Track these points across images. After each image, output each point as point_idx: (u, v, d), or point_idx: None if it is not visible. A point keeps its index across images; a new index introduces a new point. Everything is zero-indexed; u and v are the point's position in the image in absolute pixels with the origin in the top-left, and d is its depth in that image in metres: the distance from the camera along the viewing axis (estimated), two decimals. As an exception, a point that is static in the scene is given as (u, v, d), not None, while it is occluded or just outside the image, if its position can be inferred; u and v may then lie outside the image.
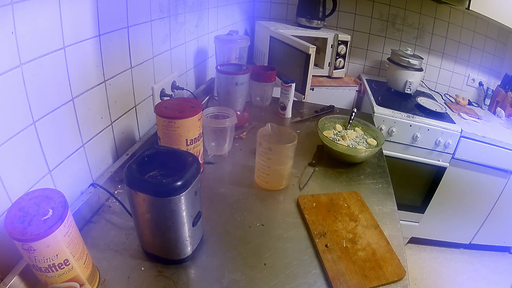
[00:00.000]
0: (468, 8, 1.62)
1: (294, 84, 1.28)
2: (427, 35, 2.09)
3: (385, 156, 1.14)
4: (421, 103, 1.83)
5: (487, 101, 2.04)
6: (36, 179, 0.63)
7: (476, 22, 1.97)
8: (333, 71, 1.94)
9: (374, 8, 2.08)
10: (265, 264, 0.67)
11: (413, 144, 1.73)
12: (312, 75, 1.50)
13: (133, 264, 0.64)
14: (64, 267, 0.50)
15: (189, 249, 0.65)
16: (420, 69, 1.88)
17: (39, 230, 0.45)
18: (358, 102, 2.00)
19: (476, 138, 1.66)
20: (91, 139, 0.79)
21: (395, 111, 1.72)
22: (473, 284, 1.89)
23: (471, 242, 2.03)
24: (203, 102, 1.29)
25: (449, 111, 1.84)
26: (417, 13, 2.04)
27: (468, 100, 2.07)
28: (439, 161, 1.74)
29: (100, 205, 0.78)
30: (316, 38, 1.88)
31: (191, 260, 0.66)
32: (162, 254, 0.65)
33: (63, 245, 0.48)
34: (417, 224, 1.97)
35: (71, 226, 0.50)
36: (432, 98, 2.00)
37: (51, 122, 0.65)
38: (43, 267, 0.48)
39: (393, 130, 1.70)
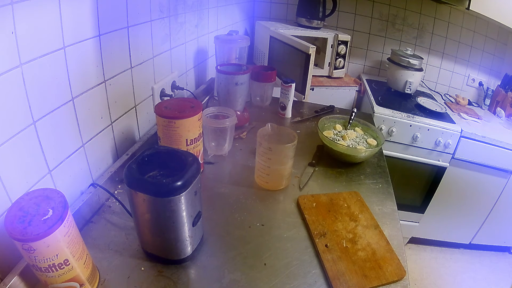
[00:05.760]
0: (468, 8, 1.62)
1: (294, 84, 1.28)
2: (427, 35, 2.09)
3: (385, 156, 1.14)
4: (421, 103, 1.83)
5: (487, 101, 2.04)
6: (36, 179, 0.63)
7: (476, 22, 1.97)
8: (333, 71, 1.94)
9: (374, 8, 2.08)
10: (265, 264, 0.67)
11: (413, 144, 1.73)
12: (312, 75, 1.50)
13: (133, 264, 0.64)
14: (64, 267, 0.50)
15: (189, 249, 0.65)
16: (420, 69, 1.88)
17: (39, 230, 0.45)
18: (358, 102, 2.00)
19: (476, 138, 1.66)
20: (91, 139, 0.79)
21: (395, 111, 1.72)
22: (473, 284, 1.89)
23: (471, 242, 2.03)
24: (203, 102, 1.29)
25: (449, 111, 1.84)
26: (417, 13, 2.04)
27: (468, 100, 2.07)
28: (439, 161, 1.74)
29: (100, 205, 0.78)
30: (316, 38, 1.88)
31: (191, 260, 0.66)
32: (162, 254, 0.65)
33: (63, 245, 0.48)
34: (417, 224, 1.97)
35: (71, 226, 0.50)
36: (432, 98, 2.00)
37: (51, 122, 0.65)
38: (43, 267, 0.48)
39: (393, 130, 1.70)
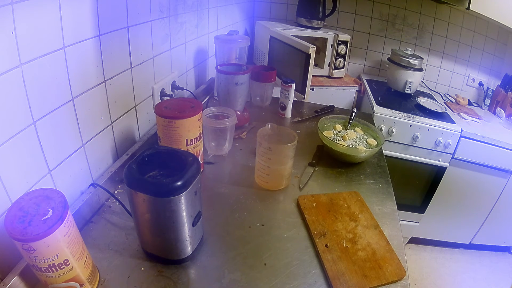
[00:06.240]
0: (468, 8, 1.62)
1: (294, 84, 1.28)
2: (427, 35, 2.09)
3: (385, 156, 1.14)
4: (421, 103, 1.83)
5: (487, 101, 2.04)
6: (36, 179, 0.63)
7: (476, 22, 1.97)
8: (333, 71, 1.94)
9: (374, 8, 2.08)
10: (265, 264, 0.67)
11: (413, 144, 1.73)
12: (312, 75, 1.50)
13: (133, 264, 0.64)
14: (64, 267, 0.50)
15: (189, 249, 0.65)
16: (420, 69, 1.88)
17: (39, 230, 0.45)
18: (358, 102, 2.00)
19: (476, 138, 1.66)
20: (91, 139, 0.79)
21: (395, 111, 1.72)
22: (473, 284, 1.89)
23: (471, 242, 2.03)
24: (203, 102, 1.29)
25: (449, 111, 1.84)
26: (417, 13, 2.04)
27: (468, 100, 2.07)
28: (439, 161, 1.74)
29: (100, 205, 0.78)
30: (316, 38, 1.88)
31: (191, 260, 0.66)
32: (162, 254, 0.65)
33: (63, 245, 0.48)
34: (417, 224, 1.97)
35: (71, 226, 0.50)
36: (432, 98, 2.00)
37: (51, 122, 0.65)
38: (43, 267, 0.48)
39: (393, 130, 1.70)
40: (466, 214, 1.90)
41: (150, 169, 0.63)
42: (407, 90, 1.91)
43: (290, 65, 1.59)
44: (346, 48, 1.89)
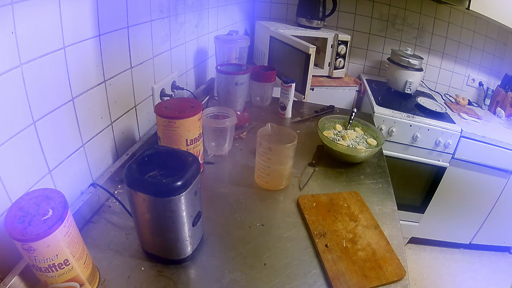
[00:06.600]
0: (468, 8, 1.62)
1: (294, 84, 1.28)
2: (427, 35, 2.09)
3: (385, 156, 1.14)
4: (421, 103, 1.83)
5: (487, 101, 2.04)
6: (36, 179, 0.63)
7: (476, 22, 1.97)
8: (333, 71, 1.94)
9: (374, 8, 2.08)
10: (265, 264, 0.67)
11: (413, 144, 1.73)
12: (312, 75, 1.50)
13: (133, 264, 0.64)
14: (64, 267, 0.50)
15: (189, 249, 0.65)
16: (420, 69, 1.88)
17: (39, 230, 0.45)
18: (358, 102, 2.00)
19: (476, 138, 1.66)
20: (91, 139, 0.79)
21: (395, 111, 1.72)
22: (473, 284, 1.89)
23: (471, 242, 2.03)
24: (203, 102, 1.29)
25: (449, 111, 1.84)
26: (417, 13, 2.04)
27: (468, 100, 2.07)
28: (439, 161, 1.74)
29: (100, 205, 0.78)
30: (316, 38, 1.88)
31: (191, 260, 0.66)
32: (162, 254, 0.65)
33: (63, 245, 0.48)
34: (417, 224, 1.97)
35: (71, 226, 0.50)
36: (432, 98, 2.00)
37: (51, 122, 0.65)
38: (43, 267, 0.48)
39: (393, 130, 1.70)
40: (466, 214, 1.90)
41: (150, 169, 0.63)
42: (407, 90, 1.91)
43: (290, 65, 1.59)
44: (346, 48, 1.89)
